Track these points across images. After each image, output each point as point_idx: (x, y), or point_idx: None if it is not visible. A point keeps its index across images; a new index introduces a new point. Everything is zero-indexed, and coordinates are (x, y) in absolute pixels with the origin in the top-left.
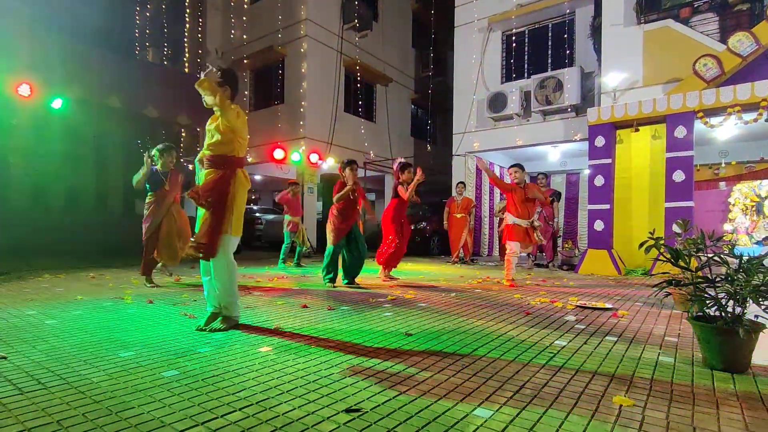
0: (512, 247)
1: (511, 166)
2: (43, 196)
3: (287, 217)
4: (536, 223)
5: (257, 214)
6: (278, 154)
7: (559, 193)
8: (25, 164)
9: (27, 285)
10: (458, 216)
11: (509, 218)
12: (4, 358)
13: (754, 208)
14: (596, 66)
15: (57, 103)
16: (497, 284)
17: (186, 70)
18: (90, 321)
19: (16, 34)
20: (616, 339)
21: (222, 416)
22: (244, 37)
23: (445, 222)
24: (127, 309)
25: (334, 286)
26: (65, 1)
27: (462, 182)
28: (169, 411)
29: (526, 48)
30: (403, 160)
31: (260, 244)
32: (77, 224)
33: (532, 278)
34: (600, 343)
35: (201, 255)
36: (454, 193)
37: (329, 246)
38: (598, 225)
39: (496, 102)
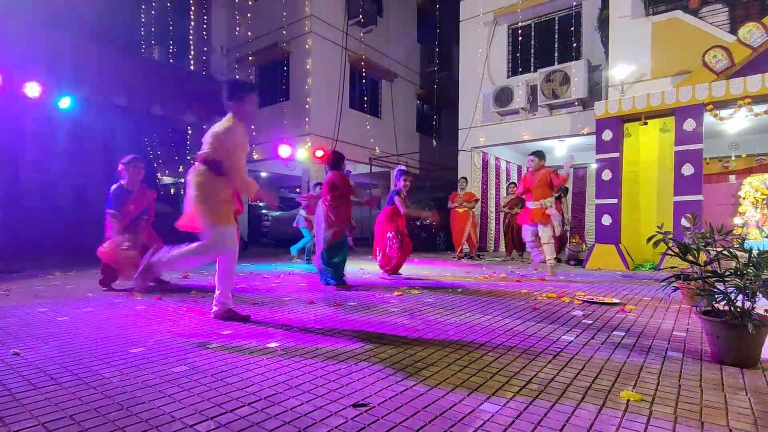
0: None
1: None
2: (52, 195)
3: (303, 213)
4: (545, 202)
5: (263, 211)
6: (283, 151)
7: (566, 189)
8: (33, 164)
9: (38, 283)
10: (460, 210)
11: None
12: (18, 354)
13: (764, 202)
14: (603, 59)
15: (65, 103)
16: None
17: (192, 67)
18: (100, 317)
19: (23, 33)
20: (623, 334)
21: (231, 411)
22: (249, 33)
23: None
24: (137, 306)
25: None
26: (72, 0)
27: (464, 177)
28: (179, 406)
29: (533, 41)
30: (404, 167)
31: (266, 241)
32: (86, 222)
33: (538, 272)
34: (607, 338)
35: None
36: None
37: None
38: (606, 219)
39: (502, 96)
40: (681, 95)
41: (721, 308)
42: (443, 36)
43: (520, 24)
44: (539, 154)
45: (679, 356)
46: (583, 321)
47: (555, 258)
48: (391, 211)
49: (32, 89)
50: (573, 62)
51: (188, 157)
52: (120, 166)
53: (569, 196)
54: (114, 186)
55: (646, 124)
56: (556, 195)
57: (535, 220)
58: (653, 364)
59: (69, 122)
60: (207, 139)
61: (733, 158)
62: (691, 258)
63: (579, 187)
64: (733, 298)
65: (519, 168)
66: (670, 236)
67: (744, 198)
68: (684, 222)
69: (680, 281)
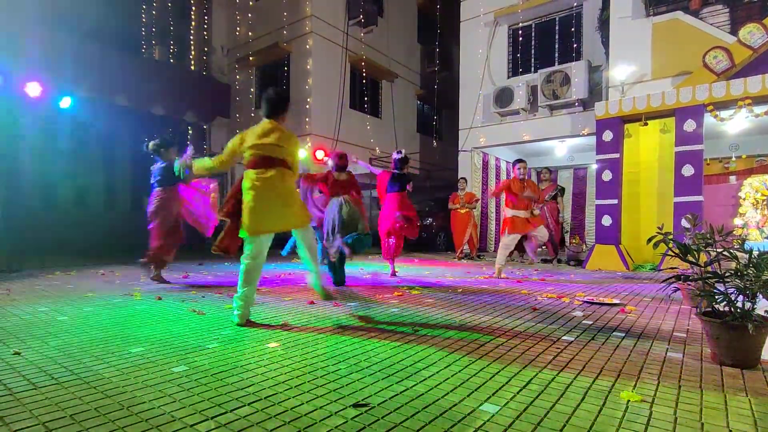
0: (507, 240)
1: (518, 161)
2: (52, 194)
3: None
4: (536, 212)
5: None
6: None
7: (563, 189)
8: (34, 163)
9: (38, 282)
10: (462, 211)
11: (507, 212)
12: (18, 353)
13: (765, 203)
14: (604, 59)
15: (65, 102)
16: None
17: (192, 67)
18: (100, 317)
19: (24, 33)
20: (624, 335)
21: (231, 411)
22: (250, 34)
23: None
24: (137, 305)
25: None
26: (73, 0)
27: (464, 178)
28: (179, 406)
29: (533, 42)
30: (403, 152)
31: None
32: (86, 222)
33: (539, 273)
34: (608, 338)
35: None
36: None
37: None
38: (606, 220)
39: (503, 97)
40: (681, 96)
41: (721, 309)
42: (444, 36)
43: (520, 24)
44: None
45: (680, 357)
46: (584, 321)
47: (556, 259)
48: (402, 198)
49: (33, 89)
50: (573, 63)
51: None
52: (157, 149)
53: (570, 196)
54: (161, 165)
55: (646, 124)
56: (552, 195)
57: (530, 227)
58: (653, 365)
59: (69, 122)
60: (283, 144)
61: (734, 159)
62: (691, 259)
63: (579, 187)
64: (733, 299)
65: None
66: (671, 237)
67: (744, 199)
68: (684, 223)
69: (680, 282)
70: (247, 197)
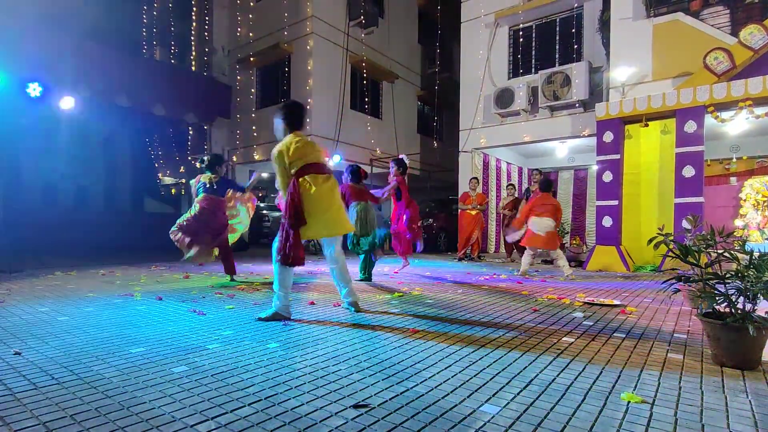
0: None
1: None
2: (52, 194)
3: None
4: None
5: (264, 212)
6: None
7: (528, 190)
8: (34, 163)
9: (39, 282)
10: (473, 213)
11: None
12: (19, 353)
13: (765, 204)
14: (605, 60)
15: (66, 102)
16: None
17: (193, 68)
18: (101, 317)
19: (25, 34)
20: (624, 336)
21: (231, 411)
22: (251, 34)
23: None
24: (137, 306)
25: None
26: (73, 0)
27: (476, 177)
28: (180, 406)
29: (534, 43)
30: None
31: (267, 241)
32: (87, 222)
33: (539, 273)
34: (608, 339)
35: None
36: (467, 189)
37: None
38: (607, 221)
39: (503, 98)
40: (682, 97)
41: (722, 310)
42: (444, 37)
43: (521, 25)
44: None
45: (680, 358)
46: (584, 323)
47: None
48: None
49: (34, 89)
50: (574, 64)
51: (189, 158)
52: (211, 165)
53: (570, 197)
54: (212, 176)
55: (647, 125)
56: (525, 197)
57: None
58: (654, 366)
59: (70, 122)
60: (321, 150)
61: (734, 160)
62: (691, 260)
63: (580, 188)
64: (734, 300)
65: (519, 169)
66: (671, 238)
67: (745, 200)
68: (685, 224)
69: (681, 283)
70: (307, 203)
